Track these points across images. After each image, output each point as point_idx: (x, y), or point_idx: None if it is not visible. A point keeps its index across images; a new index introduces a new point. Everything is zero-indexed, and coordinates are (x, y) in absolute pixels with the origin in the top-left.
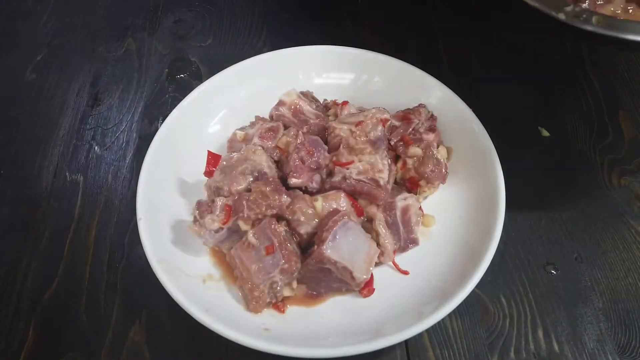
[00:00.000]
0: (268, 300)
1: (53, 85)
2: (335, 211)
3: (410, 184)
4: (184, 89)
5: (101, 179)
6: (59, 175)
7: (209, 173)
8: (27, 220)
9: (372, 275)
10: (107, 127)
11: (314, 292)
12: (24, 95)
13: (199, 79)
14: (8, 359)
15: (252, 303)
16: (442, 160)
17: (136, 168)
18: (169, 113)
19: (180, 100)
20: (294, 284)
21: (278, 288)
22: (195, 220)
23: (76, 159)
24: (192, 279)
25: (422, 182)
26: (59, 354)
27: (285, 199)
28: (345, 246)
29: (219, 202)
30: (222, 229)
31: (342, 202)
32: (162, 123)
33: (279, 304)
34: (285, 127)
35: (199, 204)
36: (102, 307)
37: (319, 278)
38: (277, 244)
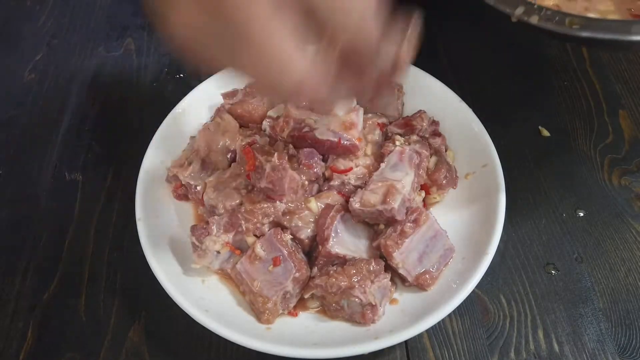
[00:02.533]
0: (281, 311)
1: (52, 85)
2: (329, 207)
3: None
4: (184, 89)
5: (100, 179)
6: (58, 175)
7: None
8: (27, 220)
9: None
10: (106, 126)
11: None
12: (23, 95)
13: (199, 78)
14: (7, 359)
15: (264, 315)
16: (452, 165)
17: (135, 168)
18: (169, 113)
19: (180, 99)
20: (306, 295)
21: (289, 297)
22: (195, 248)
23: (75, 159)
24: (192, 279)
25: (432, 189)
26: (58, 355)
27: (279, 204)
28: (348, 238)
29: (214, 221)
30: (226, 245)
31: (335, 198)
32: (161, 123)
33: (291, 311)
34: (271, 140)
35: (194, 229)
36: (101, 308)
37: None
38: (287, 253)
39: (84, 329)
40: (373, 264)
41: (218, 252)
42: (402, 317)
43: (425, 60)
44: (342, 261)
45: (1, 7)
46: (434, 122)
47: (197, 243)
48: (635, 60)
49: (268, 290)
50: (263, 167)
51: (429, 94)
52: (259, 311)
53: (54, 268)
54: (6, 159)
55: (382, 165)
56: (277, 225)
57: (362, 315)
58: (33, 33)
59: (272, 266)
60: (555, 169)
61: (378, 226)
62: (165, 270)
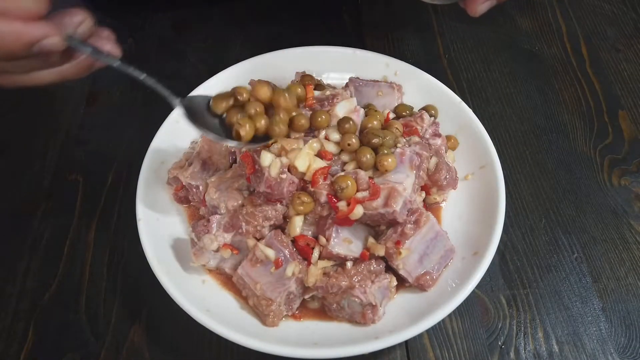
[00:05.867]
0: (285, 313)
1: (52, 86)
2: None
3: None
4: (184, 89)
5: (101, 180)
6: (59, 175)
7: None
8: (27, 220)
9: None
10: (106, 127)
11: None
12: (23, 96)
13: (199, 79)
14: (8, 359)
15: (269, 318)
16: (452, 166)
17: (136, 168)
18: (169, 114)
19: None
20: (307, 295)
21: (292, 297)
22: (193, 245)
23: (76, 159)
24: (193, 279)
25: (433, 190)
26: (58, 354)
27: (280, 207)
28: (349, 237)
29: (215, 220)
30: (224, 247)
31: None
32: (161, 124)
33: (295, 314)
34: None
35: (195, 226)
36: (101, 308)
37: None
38: (288, 254)
39: (84, 329)
40: (374, 264)
41: (215, 251)
42: (402, 317)
43: (425, 60)
44: (343, 261)
45: None
46: (434, 123)
47: (195, 240)
48: (634, 60)
49: (271, 292)
50: (262, 171)
51: (429, 94)
52: (263, 314)
53: (54, 268)
54: (7, 160)
55: None
56: (278, 227)
57: (362, 315)
58: None
59: (274, 268)
60: (555, 169)
61: (379, 227)
62: (166, 270)
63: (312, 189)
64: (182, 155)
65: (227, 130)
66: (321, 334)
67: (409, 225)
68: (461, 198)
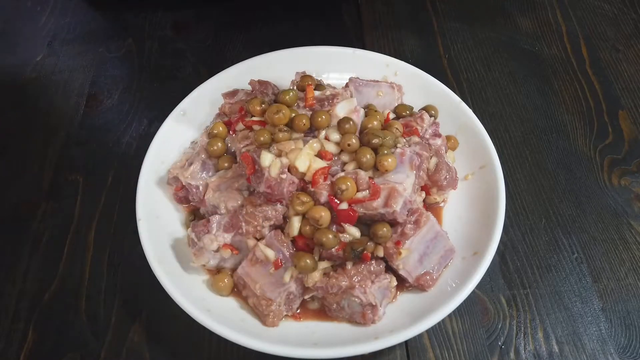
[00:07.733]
0: (285, 313)
1: (53, 86)
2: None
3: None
4: (184, 89)
5: (101, 180)
6: (58, 175)
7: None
8: (27, 220)
9: None
10: (106, 127)
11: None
12: (24, 95)
13: (199, 79)
14: (8, 359)
15: (269, 318)
16: (452, 166)
17: (136, 168)
18: (169, 113)
19: (180, 100)
20: (307, 295)
21: (292, 297)
22: (193, 244)
23: (76, 159)
24: (193, 279)
25: (433, 190)
26: (58, 354)
27: (279, 207)
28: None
29: (215, 220)
30: (224, 247)
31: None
32: (162, 123)
33: (295, 314)
34: None
35: (194, 226)
36: (101, 308)
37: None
38: (288, 255)
39: (84, 329)
40: (374, 264)
41: (215, 251)
42: (402, 317)
43: (425, 60)
44: (343, 262)
45: (1, 7)
46: (434, 123)
47: (195, 239)
48: (634, 60)
49: (271, 292)
50: (262, 171)
51: (429, 94)
52: (263, 314)
53: (54, 268)
54: (7, 160)
55: None
56: (278, 227)
57: (362, 315)
58: (34, 34)
59: (273, 268)
60: (555, 169)
61: None
62: (166, 270)
63: (312, 189)
64: (182, 155)
65: None
66: (321, 334)
67: (409, 226)
68: (461, 198)
